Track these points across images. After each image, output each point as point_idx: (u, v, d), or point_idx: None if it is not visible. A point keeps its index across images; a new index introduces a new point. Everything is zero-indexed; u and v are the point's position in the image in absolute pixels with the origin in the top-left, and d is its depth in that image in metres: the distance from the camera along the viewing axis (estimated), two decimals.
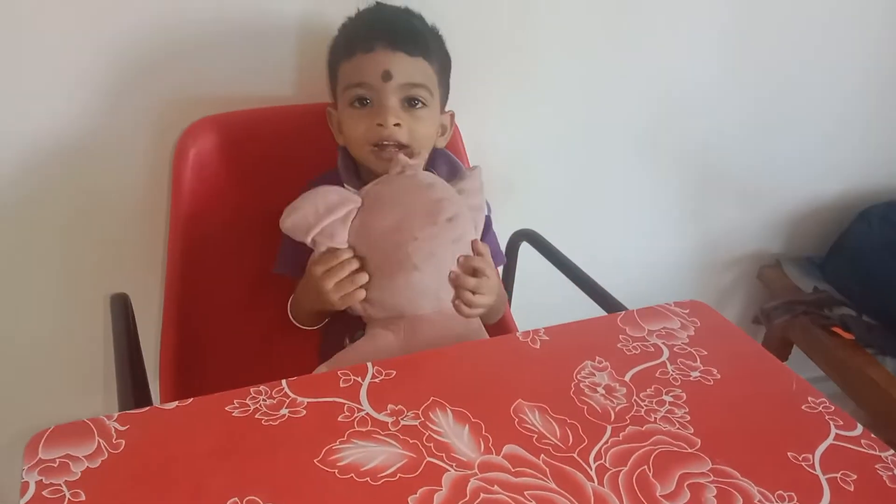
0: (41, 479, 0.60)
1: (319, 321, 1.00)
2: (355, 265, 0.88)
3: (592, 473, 0.63)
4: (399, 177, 0.92)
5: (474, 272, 0.90)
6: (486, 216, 1.02)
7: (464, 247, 0.91)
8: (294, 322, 1.00)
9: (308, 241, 0.89)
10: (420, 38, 0.96)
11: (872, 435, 0.70)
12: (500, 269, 1.16)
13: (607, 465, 0.64)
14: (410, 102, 0.95)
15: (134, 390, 0.85)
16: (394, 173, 0.93)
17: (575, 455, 0.65)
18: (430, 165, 1.01)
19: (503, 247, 1.19)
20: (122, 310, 0.97)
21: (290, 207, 0.88)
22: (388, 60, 0.93)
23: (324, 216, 0.87)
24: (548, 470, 0.63)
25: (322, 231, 0.88)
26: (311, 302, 0.93)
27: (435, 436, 0.66)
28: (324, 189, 0.89)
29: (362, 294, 0.88)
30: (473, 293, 0.90)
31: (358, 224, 0.89)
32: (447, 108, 1.05)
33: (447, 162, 1.03)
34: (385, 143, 0.94)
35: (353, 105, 0.95)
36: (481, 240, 0.95)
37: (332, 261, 0.88)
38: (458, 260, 0.90)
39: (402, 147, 0.95)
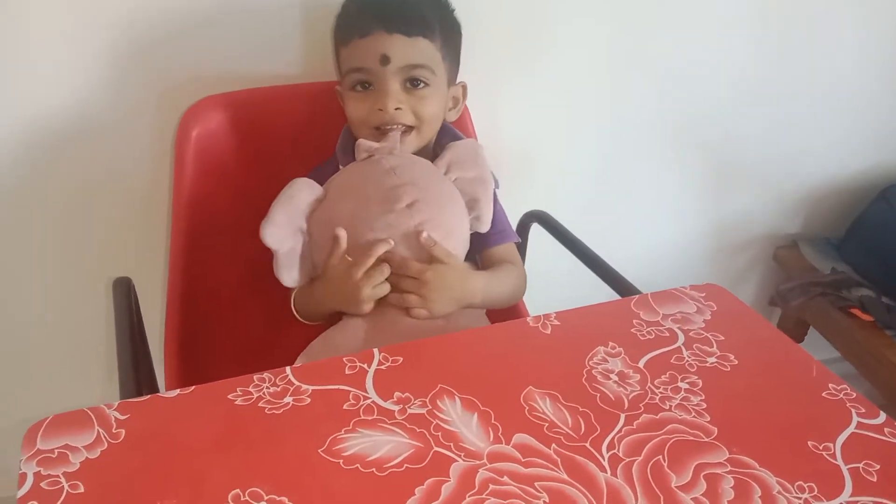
0: (39, 471, 0.58)
1: (324, 319, 0.97)
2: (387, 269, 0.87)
3: (605, 464, 0.61)
4: (362, 163, 0.92)
5: (431, 260, 0.88)
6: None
7: (433, 231, 0.88)
8: (298, 317, 0.98)
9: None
10: (418, 17, 0.93)
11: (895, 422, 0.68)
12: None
13: (621, 454, 0.62)
14: (412, 83, 0.93)
15: (136, 376, 0.83)
16: (360, 160, 0.92)
17: (587, 444, 0.63)
18: (437, 142, 1.00)
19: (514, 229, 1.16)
20: (125, 294, 0.96)
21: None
22: (385, 44, 0.91)
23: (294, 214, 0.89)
24: (559, 460, 0.61)
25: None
26: (337, 303, 0.91)
27: (443, 425, 0.64)
28: (293, 187, 0.89)
29: (387, 288, 0.87)
30: (419, 282, 0.87)
31: (319, 214, 0.89)
32: (459, 79, 1.03)
33: (451, 137, 1.01)
34: (387, 126, 0.93)
35: (355, 89, 0.95)
36: None
37: (368, 262, 0.86)
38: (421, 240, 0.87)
39: (407, 128, 0.94)
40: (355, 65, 0.93)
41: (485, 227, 0.96)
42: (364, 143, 0.92)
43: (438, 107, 0.97)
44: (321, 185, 0.92)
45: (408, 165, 0.90)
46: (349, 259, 0.87)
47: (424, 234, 0.87)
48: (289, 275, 0.90)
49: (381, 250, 0.86)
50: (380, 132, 0.94)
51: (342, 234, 0.87)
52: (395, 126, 0.93)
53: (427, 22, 0.93)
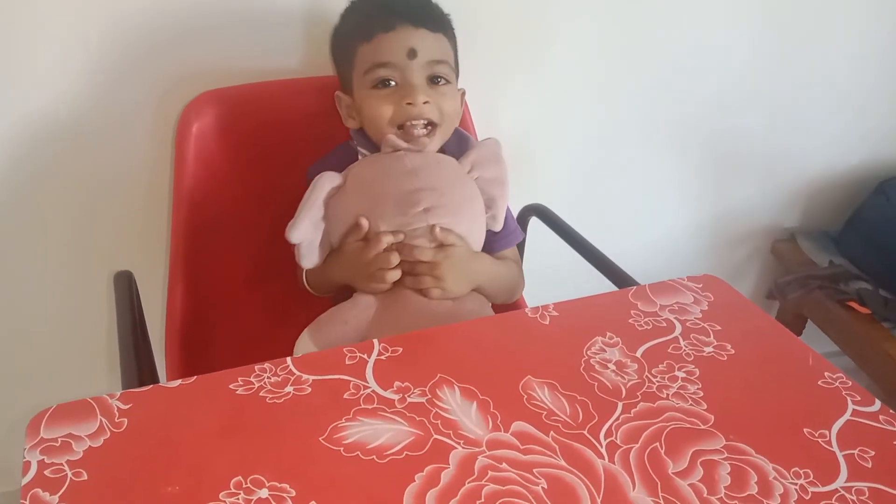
0: (43, 459, 0.59)
1: (336, 291, 0.98)
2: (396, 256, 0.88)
3: (603, 451, 0.62)
4: (384, 157, 0.91)
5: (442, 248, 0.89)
6: None
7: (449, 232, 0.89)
8: (308, 289, 0.99)
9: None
10: (439, 15, 0.95)
11: (891, 410, 0.69)
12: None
13: (618, 441, 0.63)
14: (434, 80, 0.93)
15: (138, 368, 0.84)
16: (384, 153, 0.91)
17: (585, 432, 0.64)
18: (447, 142, 1.00)
19: None
20: (127, 287, 0.96)
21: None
22: (411, 38, 0.91)
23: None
24: (557, 447, 0.62)
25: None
26: (349, 278, 0.92)
27: (442, 413, 0.65)
28: (316, 189, 0.89)
29: (398, 273, 0.88)
30: (432, 264, 0.88)
31: (336, 201, 0.89)
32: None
33: (457, 137, 1.01)
34: (412, 122, 0.92)
35: (377, 87, 0.92)
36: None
37: (380, 246, 0.87)
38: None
39: (433, 125, 0.93)
40: (381, 59, 0.91)
41: (499, 226, 0.97)
42: (393, 140, 0.91)
43: (457, 105, 0.97)
44: (340, 172, 0.92)
45: (432, 167, 0.90)
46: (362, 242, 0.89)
47: (438, 229, 0.88)
48: (309, 260, 0.91)
49: (391, 239, 0.87)
50: (403, 132, 0.92)
51: (364, 223, 0.88)
52: (421, 121, 0.92)
53: (445, 22, 0.95)
